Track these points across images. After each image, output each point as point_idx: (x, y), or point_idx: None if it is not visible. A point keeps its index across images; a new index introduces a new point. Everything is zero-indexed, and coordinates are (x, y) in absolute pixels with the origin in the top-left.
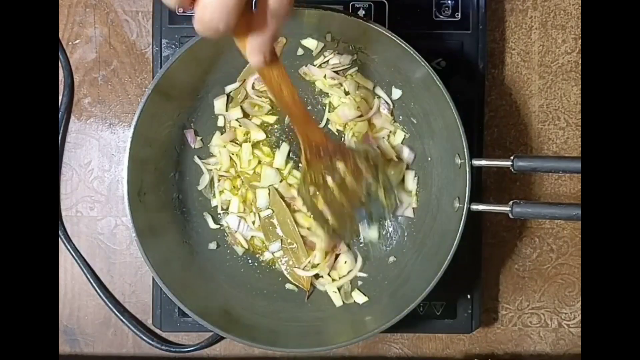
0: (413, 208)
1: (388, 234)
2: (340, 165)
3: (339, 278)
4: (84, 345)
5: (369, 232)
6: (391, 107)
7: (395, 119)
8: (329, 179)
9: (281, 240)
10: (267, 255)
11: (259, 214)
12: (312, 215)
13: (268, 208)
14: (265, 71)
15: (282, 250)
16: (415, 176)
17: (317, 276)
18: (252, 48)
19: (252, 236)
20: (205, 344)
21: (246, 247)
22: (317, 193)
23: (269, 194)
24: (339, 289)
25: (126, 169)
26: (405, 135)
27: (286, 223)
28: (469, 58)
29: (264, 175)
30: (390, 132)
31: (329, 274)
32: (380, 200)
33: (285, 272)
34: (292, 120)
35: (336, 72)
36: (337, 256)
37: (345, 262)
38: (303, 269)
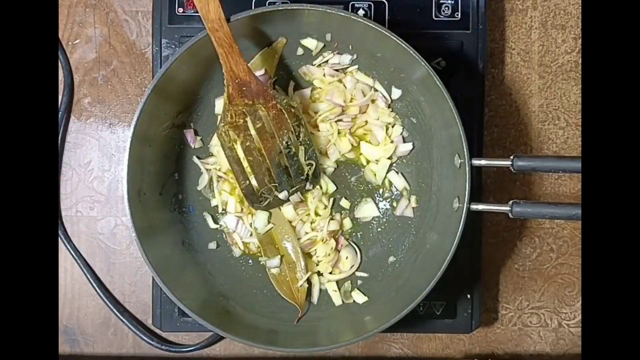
0: (413, 208)
1: (387, 232)
2: (262, 112)
3: (341, 273)
4: (84, 345)
5: (368, 208)
6: (389, 101)
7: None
8: (249, 123)
9: (281, 256)
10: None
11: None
12: (229, 166)
13: (267, 225)
14: None
15: (279, 268)
16: (398, 173)
17: (318, 273)
18: None
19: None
20: (205, 344)
21: (242, 249)
22: (237, 139)
23: (269, 216)
24: (339, 288)
25: (126, 169)
26: (403, 130)
27: (284, 240)
28: (469, 58)
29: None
30: (389, 124)
31: (330, 273)
32: (299, 160)
33: (278, 291)
34: (212, 39)
35: (336, 70)
36: (338, 253)
37: (347, 257)
38: (300, 287)
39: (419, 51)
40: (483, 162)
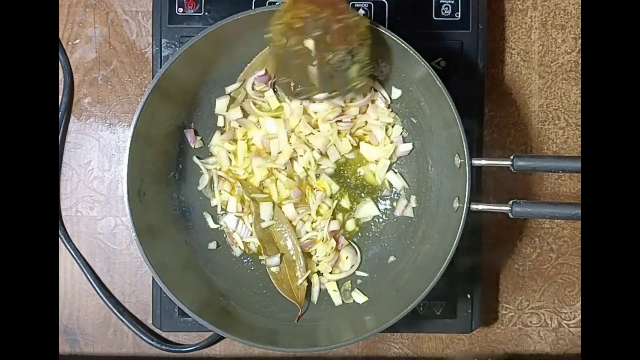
0: (413, 208)
1: (387, 232)
2: (325, 22)
3: (341, 272)
4: (84, 345)
5: (367, 208)
6: (389, 101)
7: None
8: (308, 28)
9: (281, 255)
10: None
11: (259, 225)
12: (274, 63)
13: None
14: None
15: (279, 266)
16: (396, 173)
17: (318, 273)
18: None
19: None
20: (205, 343)
21: (243, 249)
22: (288, 40)
23: (273, 207)
24: (339, 288)
25: (126, 169)
26: (403, 130)
27: (284, 238)
28: (469, 58)
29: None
30: (389, 124)
31: (330, 272)
32: (350, 73)
33: (278, 289)
34: None
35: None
36: (338, 253)
37: (347, 257)
38: (299, 285)
39: (419, 51)
40: (483, 162)
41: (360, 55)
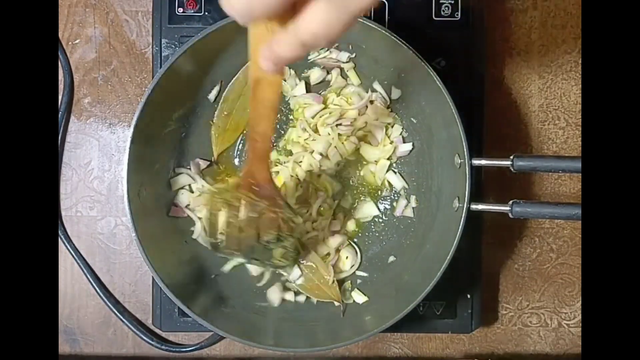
0: (413, 208)
1: (387, 232)
2: (260, 210)
3: (341, 272)
4: (84, 345)
5: (367, 208)
6: (388, 101)
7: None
8: (242, 209)
9: (299, 266)
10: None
11: None
12: (205, 223)
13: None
14: (263, 80)
15: (303, 276)
16: (396, 173)
17: None
18: (270, 54)
19: None
20: (205, 343)
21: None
22: (222, 211)
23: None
24: (339, 288)
25: (126, 168)
26: (403, 130)
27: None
28: (469, 58)
29: None
30: (389, 124)
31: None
32: (273, 254)
33: (310, 297)
34: (249, 143)
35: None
36: (338, 253)
37: (347, 257)
38: (331, 285)
39: (419, 51)
40: (483, 162)
41: (287, 243)
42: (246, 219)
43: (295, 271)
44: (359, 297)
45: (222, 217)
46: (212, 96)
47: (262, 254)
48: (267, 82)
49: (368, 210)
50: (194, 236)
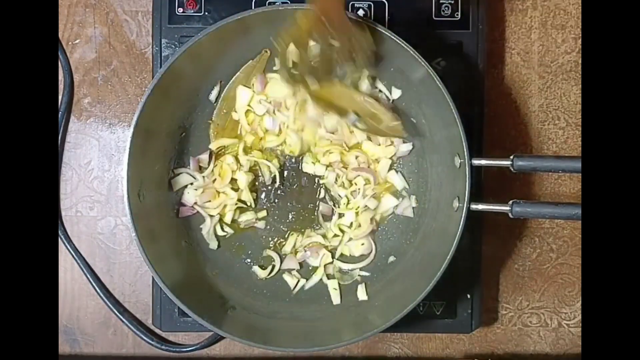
0: (413, 208)
1: (387, 232)
2: (332, 41)
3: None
4: (84, 345)
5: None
6: (390, 101)
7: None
8: (313, 44)
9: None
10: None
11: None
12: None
13: None
14: None
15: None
16: (398, 172)
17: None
18: None
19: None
20: (205, 343)
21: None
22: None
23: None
24: (339, 286)
25: (126, 168)
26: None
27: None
28: (469, 58)
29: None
30: None
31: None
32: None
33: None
34: None
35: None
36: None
37: (363, 243)
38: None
39: (419, 51)
40: (483, 162)
41: (360, 65)
42: (321, 52)
43: (352, 116)
44: (360, 294)
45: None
46: (212, 96)
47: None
48: None
49: (388, 203)
50: (203, 232)
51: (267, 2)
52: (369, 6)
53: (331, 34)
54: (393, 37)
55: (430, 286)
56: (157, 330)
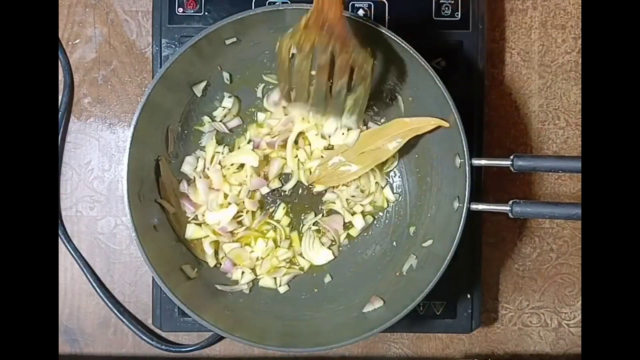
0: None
1: (387, 233)
2: (330, 52)
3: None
4: (84, 345)
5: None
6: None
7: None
8: (315, 53)
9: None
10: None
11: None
12: (277, 70)
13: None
14: None
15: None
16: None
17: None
18: None
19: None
20: (205, 343)
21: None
22: (295, 53)
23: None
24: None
25: (126, 168)
26: None
27: None
28: (469, 58)
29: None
30: None
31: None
32: (343, 100)
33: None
34: None
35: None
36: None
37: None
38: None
39: (419, 51)
40: (483, 162)
41: (358, 91)
42: (318, 64)
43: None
44: (358, 223)
45: (294, 60)
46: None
47: (334, 107)
48: None
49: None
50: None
51: (267, 2)
52: (369, 6)
53: (332, 45)
54: (393, 37)
55: (430, 286)
56: (157, 330)
